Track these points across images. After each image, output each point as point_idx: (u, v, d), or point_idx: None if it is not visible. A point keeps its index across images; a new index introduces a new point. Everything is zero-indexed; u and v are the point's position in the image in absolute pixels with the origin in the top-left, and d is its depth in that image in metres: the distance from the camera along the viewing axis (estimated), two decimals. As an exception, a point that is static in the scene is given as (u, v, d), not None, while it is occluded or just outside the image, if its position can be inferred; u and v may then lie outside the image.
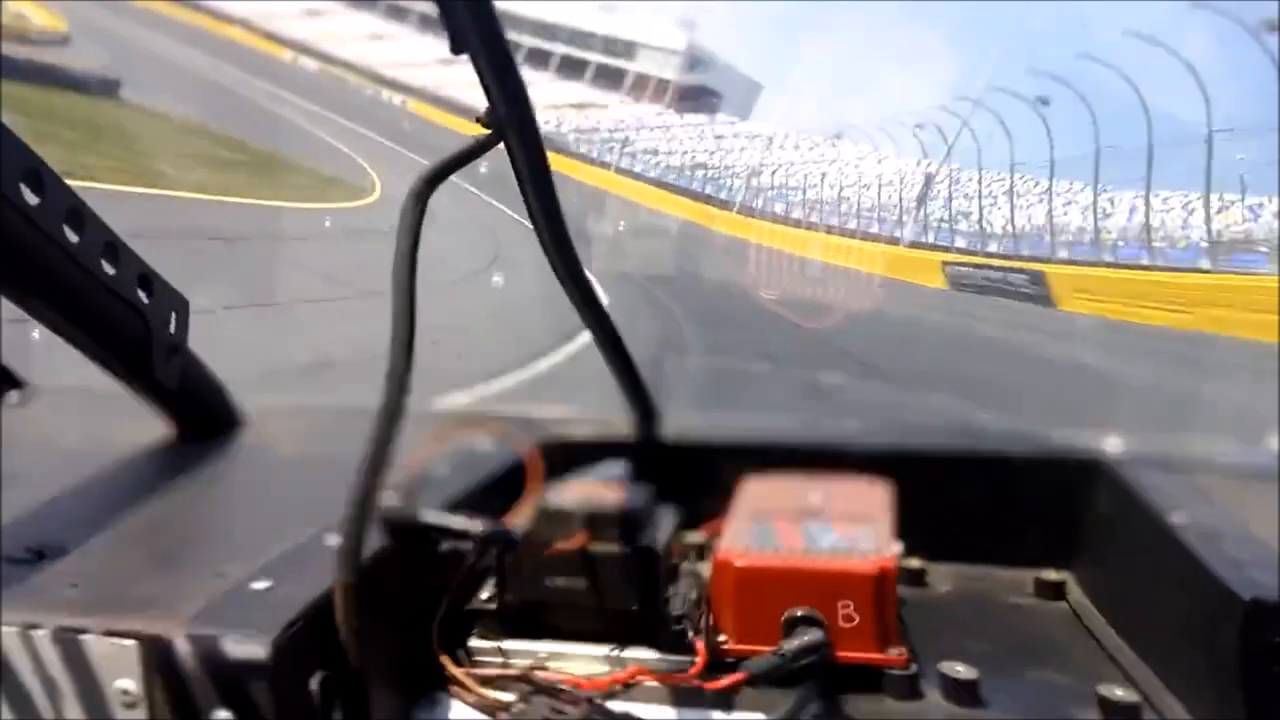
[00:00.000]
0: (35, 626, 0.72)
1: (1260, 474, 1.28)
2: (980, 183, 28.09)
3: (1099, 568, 1.20)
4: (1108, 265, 21.15)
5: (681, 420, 1.36)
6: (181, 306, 1.10)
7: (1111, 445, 1.31)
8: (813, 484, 1.15)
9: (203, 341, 1.17)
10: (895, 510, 1.08)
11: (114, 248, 0.96)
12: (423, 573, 0.94)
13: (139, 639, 0.71)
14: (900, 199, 31.21)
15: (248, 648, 0.71)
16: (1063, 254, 23.35)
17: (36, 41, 30.38)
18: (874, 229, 30.69)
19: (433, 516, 0.90)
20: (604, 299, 1.11)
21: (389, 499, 0.86)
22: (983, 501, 1.27)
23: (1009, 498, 1.27)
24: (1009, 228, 26.38)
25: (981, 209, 27.68)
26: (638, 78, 55.82)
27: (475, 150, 0.86)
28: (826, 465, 1.20)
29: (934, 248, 27.50)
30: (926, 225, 28.97)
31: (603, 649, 0.92)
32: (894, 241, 28.86)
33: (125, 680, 0.71)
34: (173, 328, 1.09)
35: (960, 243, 27.92)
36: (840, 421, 1.69)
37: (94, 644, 0.71)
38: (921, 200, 29.27)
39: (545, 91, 58.28)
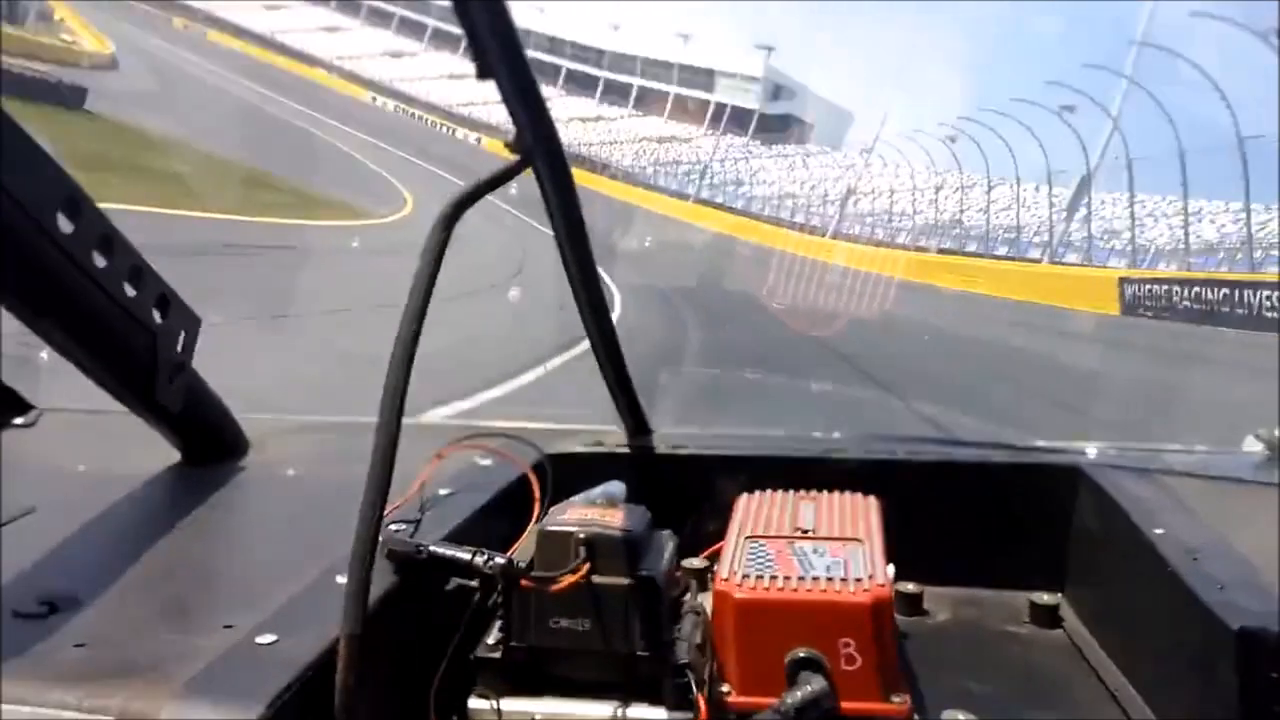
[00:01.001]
0: (22, 703, 0.72)
1: (1233, 477, 1.34)
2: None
3: (1090, 590, 1.23)
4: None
5: (670, 432, 1.40)
6: (193, 325, 1.11)
7: (1091, 451, 1.37)
8: (803, 501, 1.16)
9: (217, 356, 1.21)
10: (884, 527, 1.08)
11: (139, 270, 0.99)
12: (429, 611, 0.94)
13: (118, 715, 0.71)
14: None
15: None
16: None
17: (85, 66, 32.04)
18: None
19: (438, 549, 0.91)
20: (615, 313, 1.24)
21: (395, 532, 0.92)
22: (970, 512, 1.31)
23: (995, 507, 1.32)
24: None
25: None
26: (717, 107, 52.98)
27: (505, 175, 0.88)
28: (816, 477, 1.21)
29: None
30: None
31: (604, 706, 0.90)
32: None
33: None
34: (180, 346, 1.09)
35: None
36: (829, 433, 1.52)
37: None
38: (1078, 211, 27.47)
39: (625, 126, 56.09)
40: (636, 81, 58.89)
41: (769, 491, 1.20)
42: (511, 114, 0.88)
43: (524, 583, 0.90)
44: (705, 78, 56.26)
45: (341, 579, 0.77)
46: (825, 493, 1.19)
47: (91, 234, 0.91)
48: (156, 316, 1.04)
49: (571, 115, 54.33)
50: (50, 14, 39.18)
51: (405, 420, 0.78)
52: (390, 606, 0.87)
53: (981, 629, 1.21)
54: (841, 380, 8.90)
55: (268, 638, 0.79)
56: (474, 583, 0.93)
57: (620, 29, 59.13)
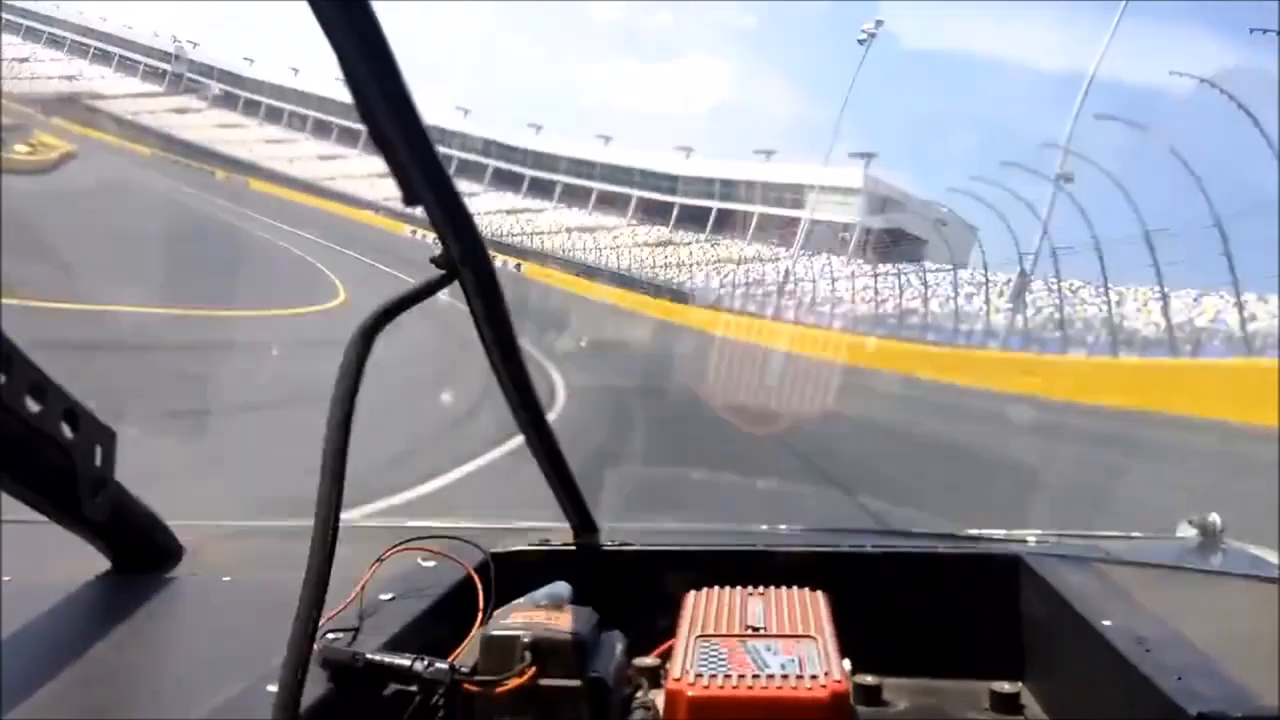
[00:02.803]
0: None
1: (1170, 564, 1.39)
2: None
3: (1048, 678, 1.25)
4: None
5: (615, 528, 1.44)
6: (108, 439, 1.08)
7: (1030, 540, 1.43)
8: (752, 597, 1.17)
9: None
10: (834, 621, 1.09)
11: (40, 386, 0.96)
12: (365, 717, 0.94)
13: None
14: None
15: None
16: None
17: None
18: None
19: (377, 656, 0.90)
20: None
21: (331, 640, 0.91)
22: (919, 603, 1.34)
23: (943, 598, 1.35)
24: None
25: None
26: (813, 225, 43.32)
27: (429, 289, 0.91)
28: (762, 571, 1.23)
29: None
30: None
31: None
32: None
33: None
34: (99, 460, 1.07)
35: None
36: (774, 525, 1.58)
37: None
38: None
39: (697, 252, 47.09)
40: (715, 204, 50.67)
41: (717, 589, 1.20)
42: (438, 233, 0.92)
43: (467, 687, 0.89)
44: (794, 193, 47.24)
45: (273, 688, 0.76)
46: (773, 589, 1.19)
47: None
48: (67, 431, 1.01)
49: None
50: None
51: (346, 520, 0.79)
52: (326, 711, 0.85)
53: (941, 717, 1.23)
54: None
55: None
56: (413, 688, 0.92)
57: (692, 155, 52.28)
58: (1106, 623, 1.07)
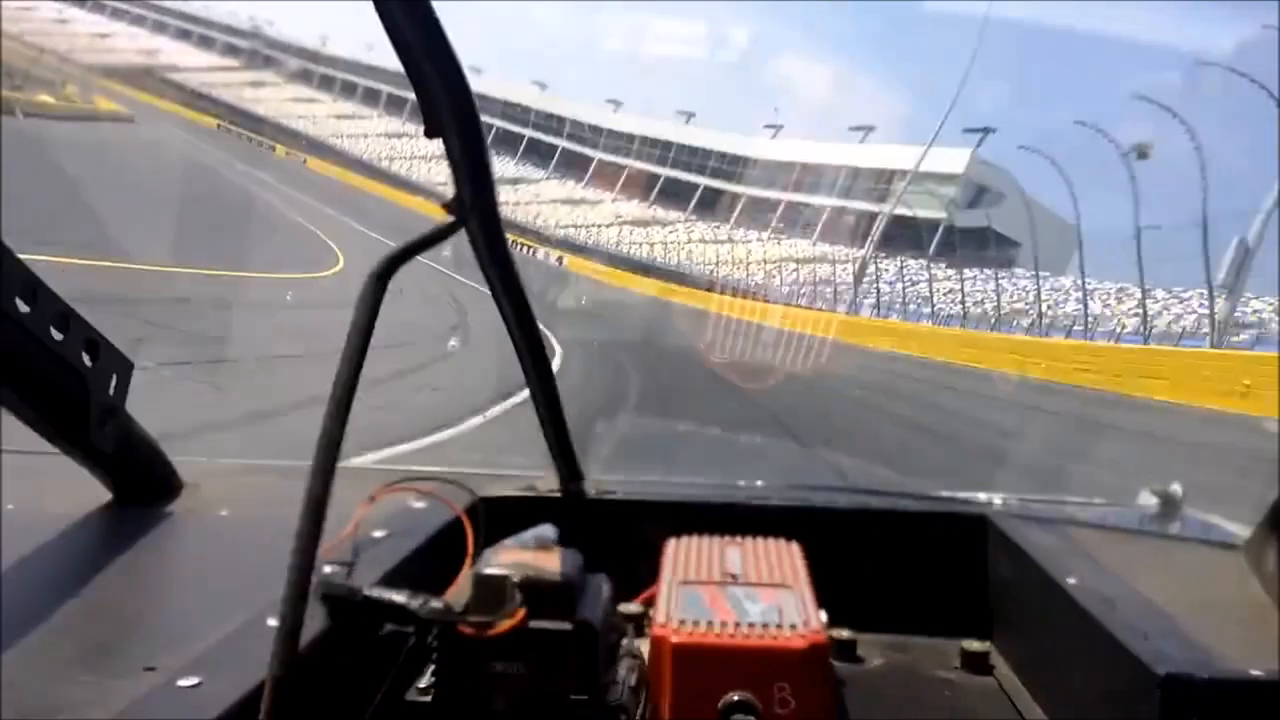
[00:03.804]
0: None
1: (1131, 528, 1.46)
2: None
3: (1016, 637, 1.28)
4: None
5: (601, 478, 1.48)
6: (124, 369, 1.13)
7: (996, 501, 1.46)
8: (729, 546, 1.21)
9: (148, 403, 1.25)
10: (809, 572, 1.13)
11: (64, 316, 1.01)
12: (362, 654, 0.95)
13: None
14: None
15: None
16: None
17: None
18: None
19: (374, 592, 0.90)
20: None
21: (329, 573, 0.91)
22: (887, 559, 1.39)
23: (911, 554, 1.39)
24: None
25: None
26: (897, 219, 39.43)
27: (438, 235, 0.92)
28: (740, 523, 1.28)
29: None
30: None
31: None
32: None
33: None
34: (112, 390, 1.11)
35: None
36: (752, 481, 1.59)
37: None
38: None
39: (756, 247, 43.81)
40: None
41: (696, 537, 1.24)
42: (454, 174, 0.93)
43: (460, 627, 0.90)
44: (880, 183, 43.08)
45: (272, 622, 0.76)
46: (750, 538, 1.23)
47: (12, 282, 0.94)
48: (86, 360, 1.06)
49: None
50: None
51: (340, 464, 0.80)
52: (322, 649, 0.86)
53: (914, 675, 1.25)
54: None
55: (191, 680, 0.77)
56: (409, 627, 0.94)
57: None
58: (1072, 582, 1.10)
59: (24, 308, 0.95)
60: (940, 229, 38.16)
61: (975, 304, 33.36)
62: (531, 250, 45.09)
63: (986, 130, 41.72)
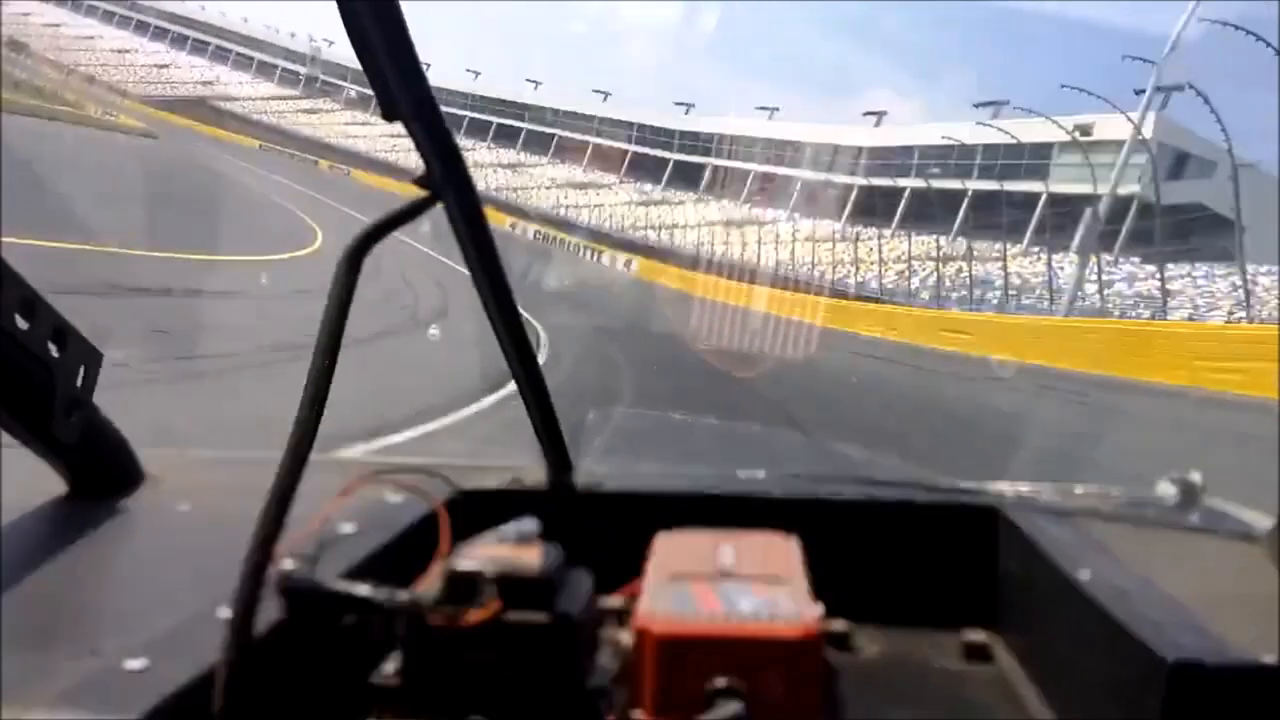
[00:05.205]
0: None
1: (1148, 519, 1.38)
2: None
3: (1021, 628, 1.25)
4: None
5: (592, 470, 1.42)
6: (93, 360, 1.11)
7: (1007, 491, 1.40)
8: (723, 540, 1.15)
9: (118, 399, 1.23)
10: (806, 567, 1.08)
11: (31, 304, 0.99)
12: (323, 647, 0.93)
13: None
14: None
15: None
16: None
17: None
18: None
19: (337, 585, 0.88)
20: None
21: (290, 565, 0.87)
22: (894, 552, 1.34)
23: (918, 547, 1.35)
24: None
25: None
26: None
27: (412, 210, 0.91)
28: (736, 516, 1.20)
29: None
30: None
31: None
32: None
33: None
34: (80, 381, 1.10)
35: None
36: (750, 470, 1.49)
37: None
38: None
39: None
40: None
41: (688, 531, 1.18)
42: (420, 151, 0.92)
43: (431, 619, 0.87)
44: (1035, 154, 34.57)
45: (224, 612, 0.76)
46: (745, 532, 1.17)
47: None
48: (53, 350, 1.04)
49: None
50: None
51: (317, 456, 0.80)
52: (277, 639, 0.84)
53: (911, 665, 1.23)
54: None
55: (137, 663, 0.76)
56: (371, 620, 0.91)
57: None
58: (1084, 574, 1.08)
59: None
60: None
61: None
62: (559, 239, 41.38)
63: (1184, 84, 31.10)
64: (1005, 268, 27.07)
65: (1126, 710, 0.92)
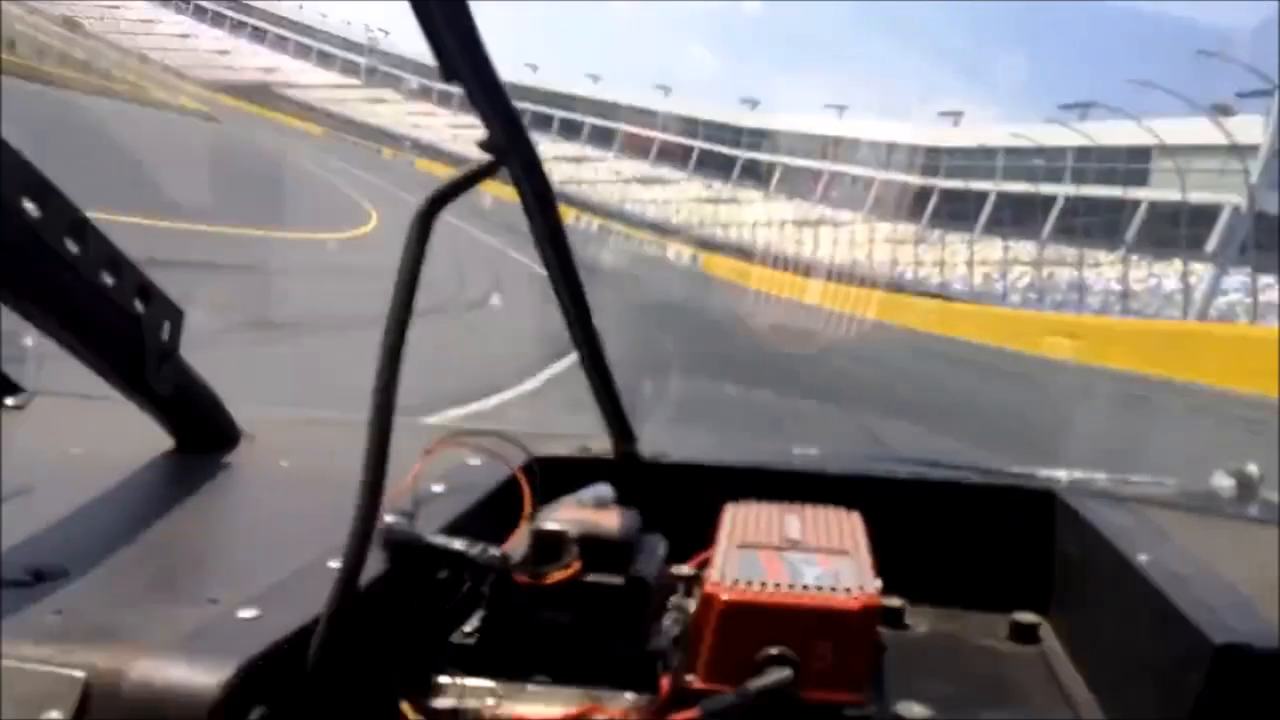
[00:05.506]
0: None
1: (1205, 509, 1.37)
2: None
3: (1073, 610, 1.26)
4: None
5: (656, 441, 1.44)
6: (176, 316, 1.14)
7: (1064, 477, 1.40)
8: (789, 514, 1.18)
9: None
10: (869, 541, 1.12)
11: (115, 261, 1.02)
12: (419, 599, 0.98)
13: (87, 671, 0.72)
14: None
15: (198, 681, 0.71)
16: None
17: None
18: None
19: (436, 540, 0.93)
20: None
21: (392, 519, 0.93)
22: (947, 532, 1.35)
23: (972, 528, 1.35)
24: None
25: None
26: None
27: (479, 174, 0.90)
28: (795, 490, 1.24)
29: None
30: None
31: (567, 687, 0.94)
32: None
33: (53, 712, 0.70)
34: (165, 335, 1.13)
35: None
36: (808, 447, 1.56)
37: (37, 676, 0.72)
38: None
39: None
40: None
41: (755, 502, 1.22)
42: (480, 113, 0.90)
43: (516, 576, 0.93)
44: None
45: (333, 564, 0.80)
46: (810, 506, 1.21)
47: (61, 220, 0.94)
48: (139, 305, 1.07)
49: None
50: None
51: (396, 419, 0.81)
52: (380, 592, 0.89)
53: (959, 643, 1.25)
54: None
55: (251, 612, 0.81)
56: (465, 575, 0.97)
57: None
58: (1142, 558, 1.07)
59: (74, 248, 0.95)
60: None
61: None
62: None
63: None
64: (1126, 272, 26.28)
65: (1167, 690, 0.92)
